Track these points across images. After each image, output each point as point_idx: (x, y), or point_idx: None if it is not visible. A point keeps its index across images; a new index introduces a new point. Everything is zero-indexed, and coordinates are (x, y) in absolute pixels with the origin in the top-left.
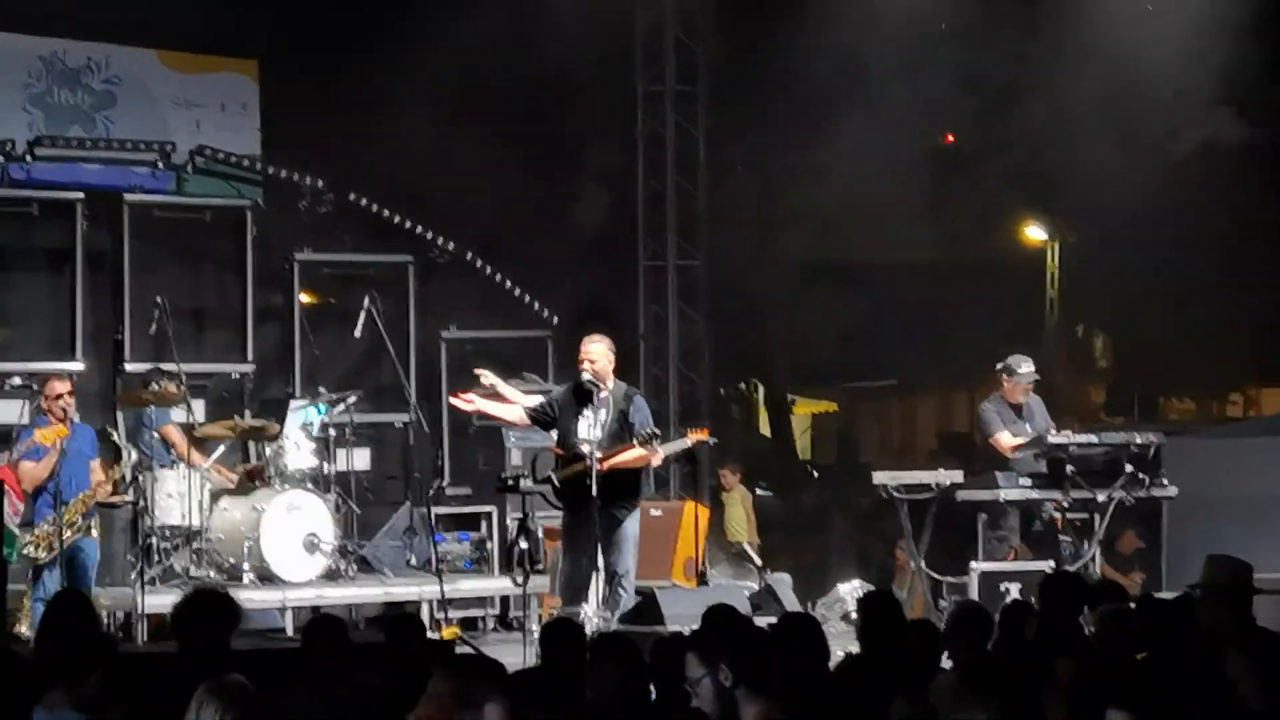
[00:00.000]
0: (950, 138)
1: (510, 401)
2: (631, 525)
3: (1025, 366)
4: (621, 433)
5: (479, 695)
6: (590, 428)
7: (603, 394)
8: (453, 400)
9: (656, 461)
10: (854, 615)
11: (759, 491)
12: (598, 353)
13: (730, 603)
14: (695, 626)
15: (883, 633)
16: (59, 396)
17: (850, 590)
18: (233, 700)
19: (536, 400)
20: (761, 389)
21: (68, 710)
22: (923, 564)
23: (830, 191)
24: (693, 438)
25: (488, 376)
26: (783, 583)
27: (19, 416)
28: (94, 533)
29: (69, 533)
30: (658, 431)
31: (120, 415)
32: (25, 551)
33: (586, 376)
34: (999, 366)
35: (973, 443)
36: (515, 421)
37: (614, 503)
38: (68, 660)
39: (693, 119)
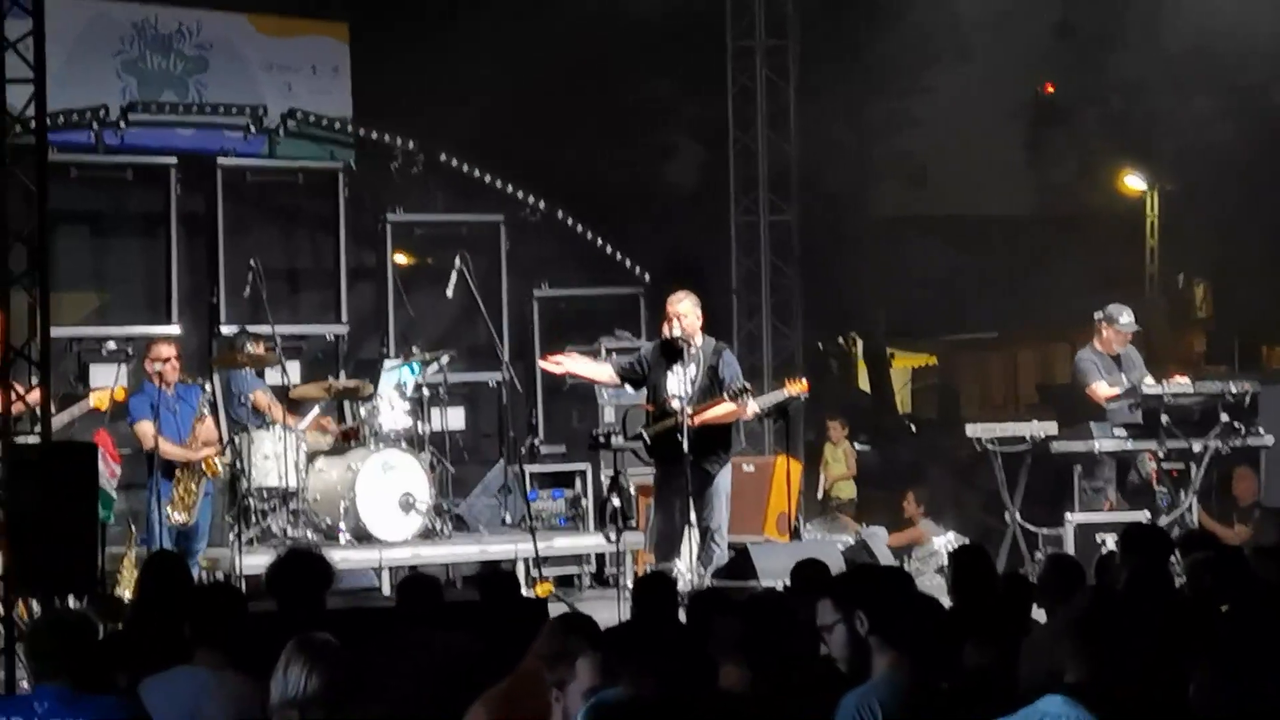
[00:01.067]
0: (1049, 88)
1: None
2: (723, 480)
3: (1125, 316)
4: (711, 387)
5: (570, 650)
6: (680, 383)
7: (691, 350)
8: (541, 364)
9: (750, 414)
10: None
11: (857, 446)
12: (684, 309)
13: (823, 557)
14: (788, 582)
15: (974, 586)
16: (166, 360)
17: (944, 544)
18: (320, 657)
19: (626, 360)
20: (860, 343)
21: (223, 669)
22: (1017, 516)
23: (926, 143)
24: (790, 389)
25: (557, 367)
26: (878, 537)
27: (115, 381)
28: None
29: (195, 487)
30: (748, 385)
31: (216, 377)
32: (173, 521)
33: (676, 333)
34: (1098, 316)
35: (1073, 395)
36: (605, 381)
37: (705, 458)
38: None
39: (783, 73)
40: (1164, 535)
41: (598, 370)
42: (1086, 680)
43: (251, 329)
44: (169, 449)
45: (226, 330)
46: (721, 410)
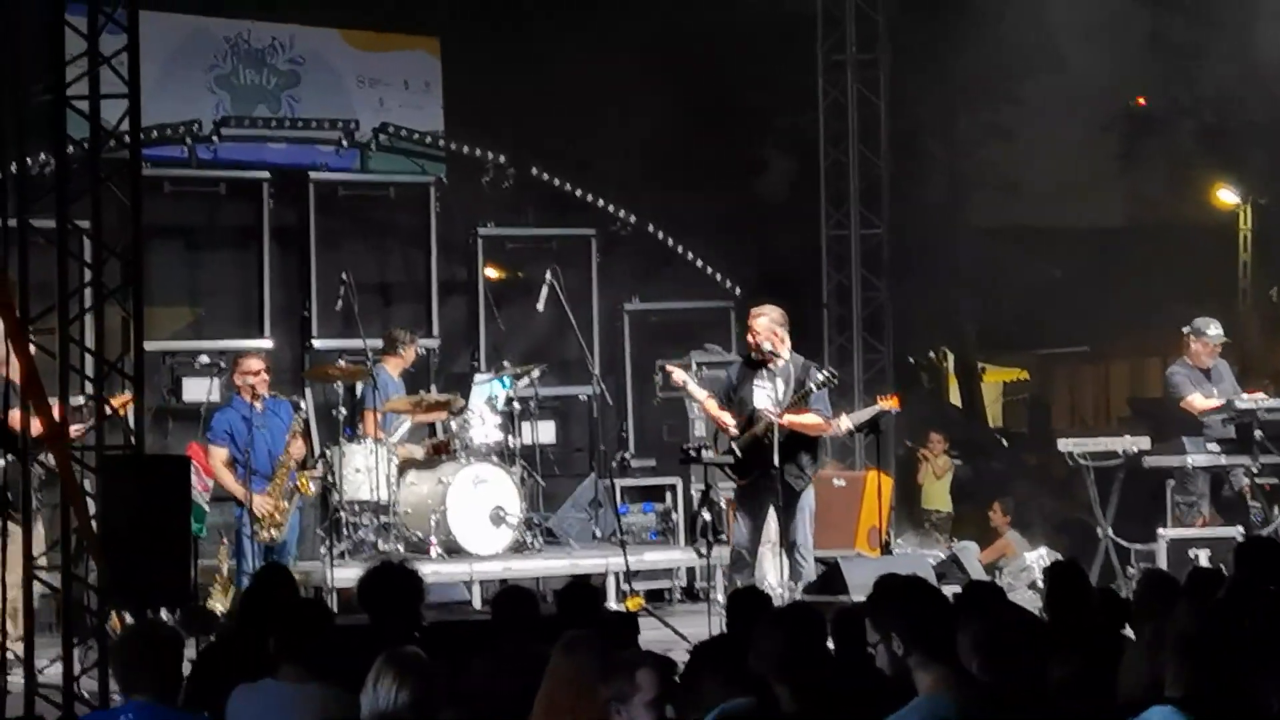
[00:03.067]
0: (1141, 100)
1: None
2: (808, 496)
3: (1213, 329)
4: (799, 404)
5: (625, 663)
6: (768, 398)
7: (780, 363)
8: (668, 366)
9: (843, 431)
10: (1040, 583)
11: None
12: (763, 325)
13: (915, 571)
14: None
15: (1070, 602)
16: (256, 374)
17: (1037, 558)
18: (410, 671)
19: (718, 387)
20: (951, 357)
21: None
22: (1110, 531)
23: (1017, 155)
24: (882, 404)
25: (678, 374)
26: (969, 551)
27: (207, 394)
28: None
29: (285, 503)
30: (834, 373)
31: (308, 391)
32: (261, 538)
33: (768, 348)
34: (1186, 329)
35: (1166, 409)
36: (712, 412)
37: (790, 473)
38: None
39: (874, 86)
40: (1278, 549)
41: (707, 399)
42: (1188, 694)
43: (343, 343)
44: (226, 480)
45: (321, 344)
46: (810, 420)
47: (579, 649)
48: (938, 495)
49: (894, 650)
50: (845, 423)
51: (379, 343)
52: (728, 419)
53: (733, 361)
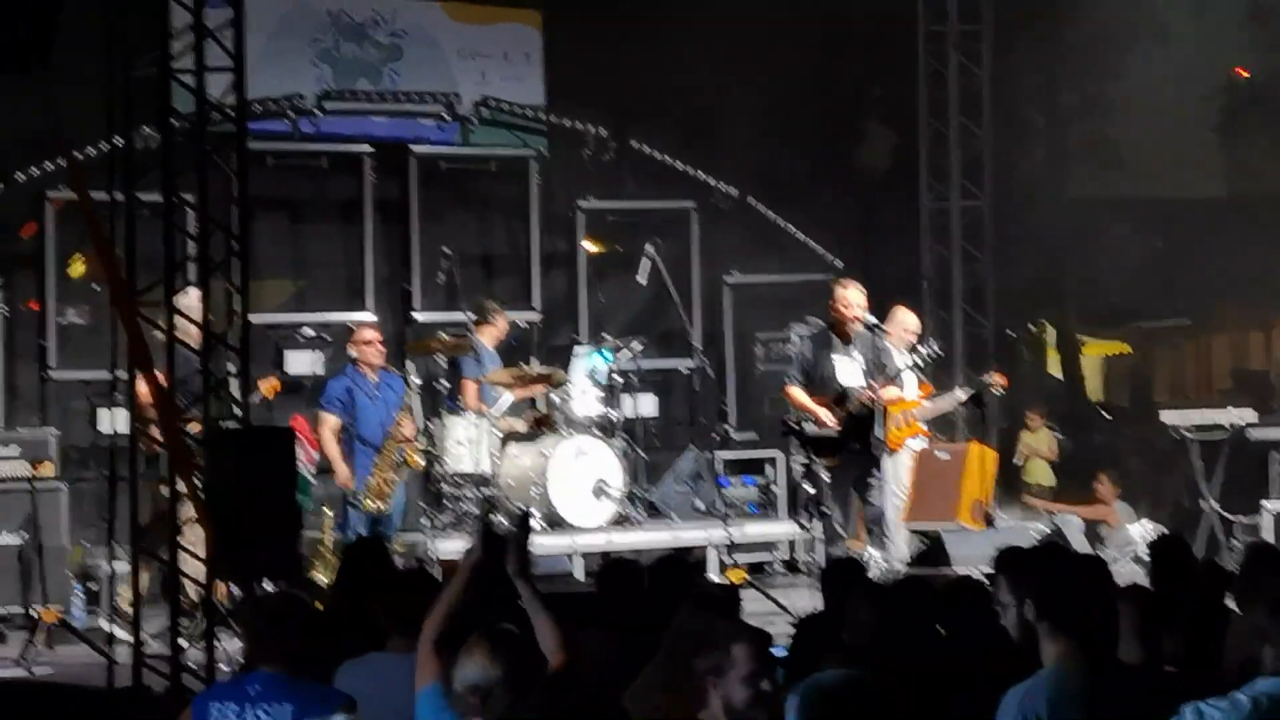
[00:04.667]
0: (1242, 71)
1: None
2: (889, 465)
3: None
4: (876, 375)
5: (720, 637)
6: (853, 373)
7: (860, 338)
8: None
9: (952, 407)
10: (1144, 557)
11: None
12: (857, 298)
13: (1018, 544)
14: (983, 568)
15: (1175, 576)
16: (369, 342)
17: (1141, 532)
18: (503, 646)
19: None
20: (1052, 330)
21: (396, 655)
22: (1215, 504)
23: (1119, 127)
24: (994, 379)
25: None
26: (1072, 524)
27: (311, 367)
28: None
29: (395, 475)
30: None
31: (410, 364)
32: (368, 509)
33: (850, 320)
34: None
35: (1268, 382)
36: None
37: (878, 446)
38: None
39: (976, 58)
40: None
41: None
42: None
43: (445, 316)
44: (331, 449)
45: (423, 317)
46: (895, 394)
47: (710, 610)
48: (1040, 468)
49: (1025, 616)
50: (960, 394)
51: (470, 314)
52: (825, 415)
53: (804, 337)
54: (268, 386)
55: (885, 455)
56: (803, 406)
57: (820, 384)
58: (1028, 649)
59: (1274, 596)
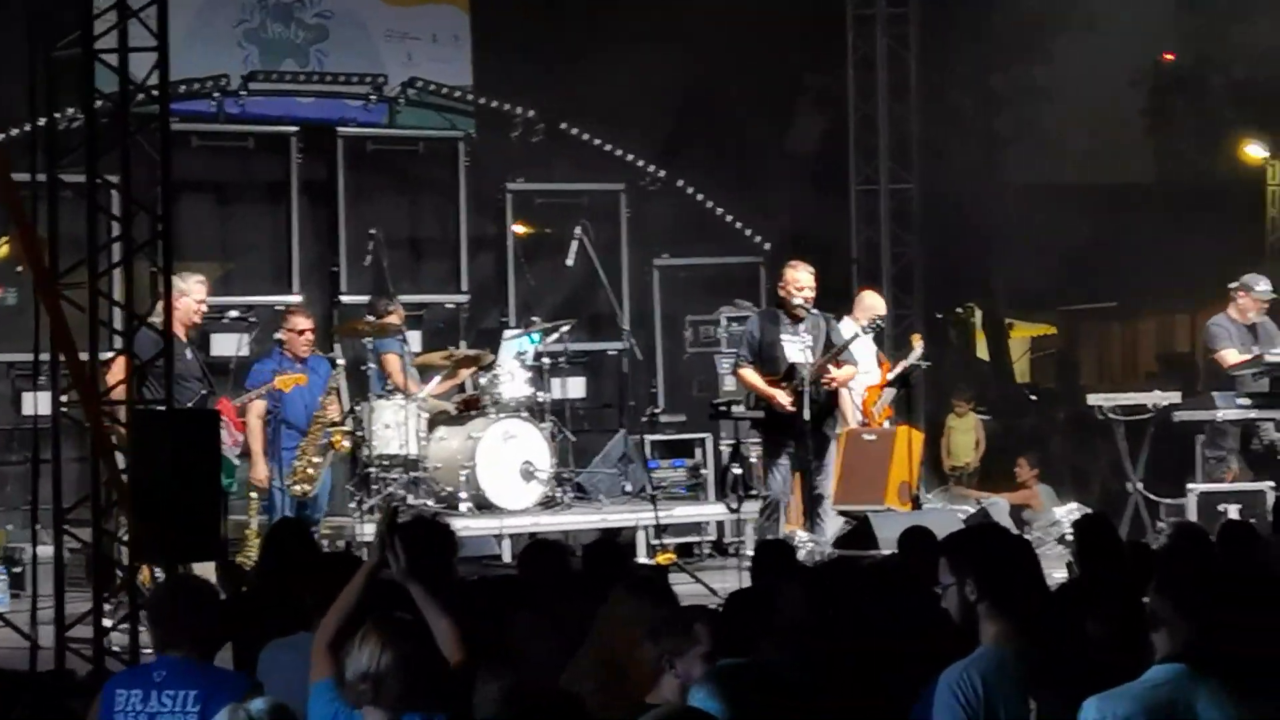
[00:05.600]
0: (1170, 55)
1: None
2: (834, 446)
3: (1262, 284)
4: (821, 355)
5: (679, 617)
6: (801, 352)
7: (807, 318)
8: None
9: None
10: (1070, 539)
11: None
12: (806, 279)
13: (944, 526)
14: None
15: (1099, 556)
16: (302, 332)
17: (1066, 513)
18: (395, 634)
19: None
20: (979, 313)
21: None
22: (1139, 485)
23: (1047, 112)
24: (914, 344)
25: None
26: (998, 507)
27: (236, 349)
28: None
29: (320, 459)
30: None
31: (337, 347)
32: (294, 493)
33: (798, 301)
34: (1233, 285)
35: (1193, 365)
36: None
37: (828, 425)
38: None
39: (904, 41)
40: None
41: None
42: (1183, 649)
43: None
44: (255, 437)
45: (350, 299)
46: (850, 373)
47: (635, 599)
48: (963, 447)
49: (966, 595)
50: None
51: (409, 298)
52: (781, 396)
53: (748, 315)
54: (283, 381)
55: (834, 433)
56: (756, 388)
57: (768, 364)
58: (968, 629)
59: (1169, 582)
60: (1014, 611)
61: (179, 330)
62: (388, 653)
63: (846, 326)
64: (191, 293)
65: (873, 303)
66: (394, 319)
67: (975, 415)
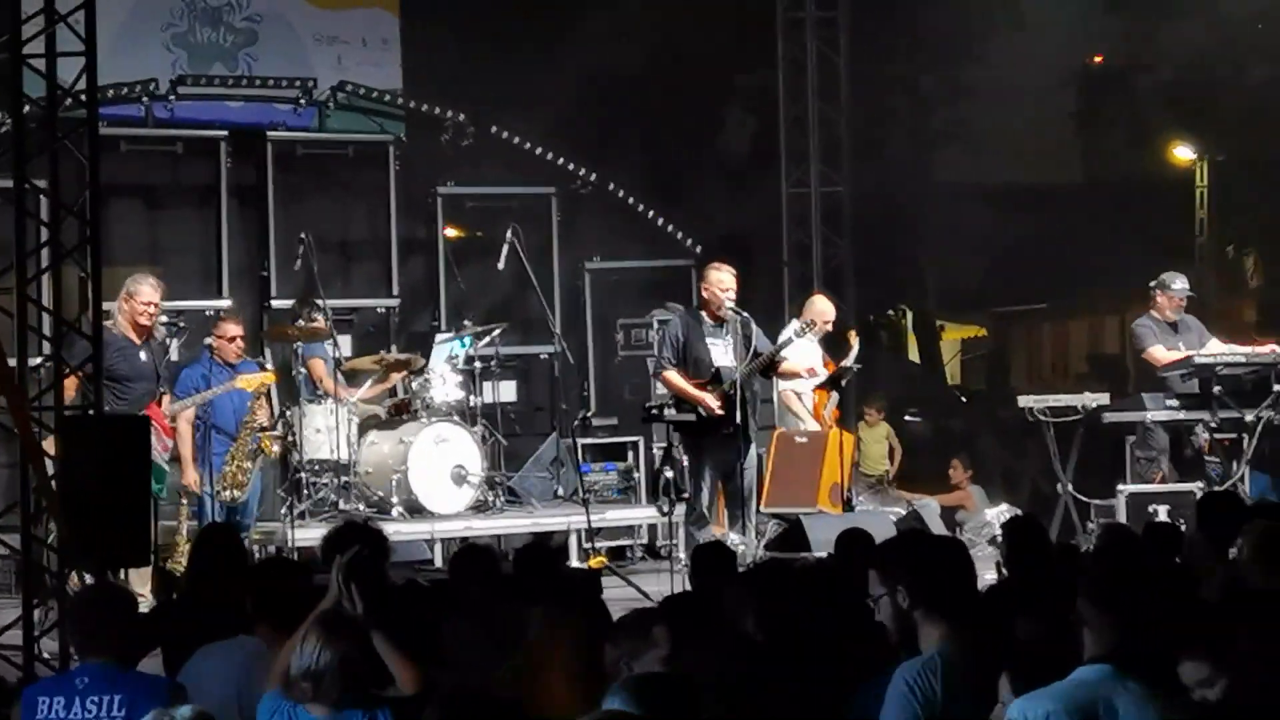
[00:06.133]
0: (1099, 57)
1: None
2: (754, 449)
3: (1178, 282)
4: (748, 357)
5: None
6: (726, 354)
7: (730, 320)
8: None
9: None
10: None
11: (908, 418)
12: (731, 281)
13: (876, 528)
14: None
15: (1028, 557)
16: (232, 339)
17: (997, 514)
18: (336, 632)
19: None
20: (910, 314)
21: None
22: (1069, 487)
23: (977, 113)
24: (851, 340)
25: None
26: (929, 509)
27: (166, 354)
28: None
29: (248, 463)
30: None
31: (268, 351)
32: (223, 498)
33: (729, 305)
34: (1152, 284)
35: (1124, 366)
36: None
37: (753, 427)
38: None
39: (834, 44)
40: (1239, 503)
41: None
42: (1109, 650)
43: (313, 299)
44: (185, 443)
45: (280, 304)
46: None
47: (574, 602)
48: (876, 459)
49: (899, 603)
50: (846, 362)
51: (340, 302)
52: (710, 400)
53: (669, 319)
54: (246, 380)
55: (753, 439)
56: (682, 391)
57: (692, 366)
58: (905, 638)
59: (1096, 583)
60: (950, 612)
61: (130, 332)
62: (328, 650)
63: (795, 329)
64: (138, 295)
65: (822, 307)
66: (319, 324)
67: (887, 424)
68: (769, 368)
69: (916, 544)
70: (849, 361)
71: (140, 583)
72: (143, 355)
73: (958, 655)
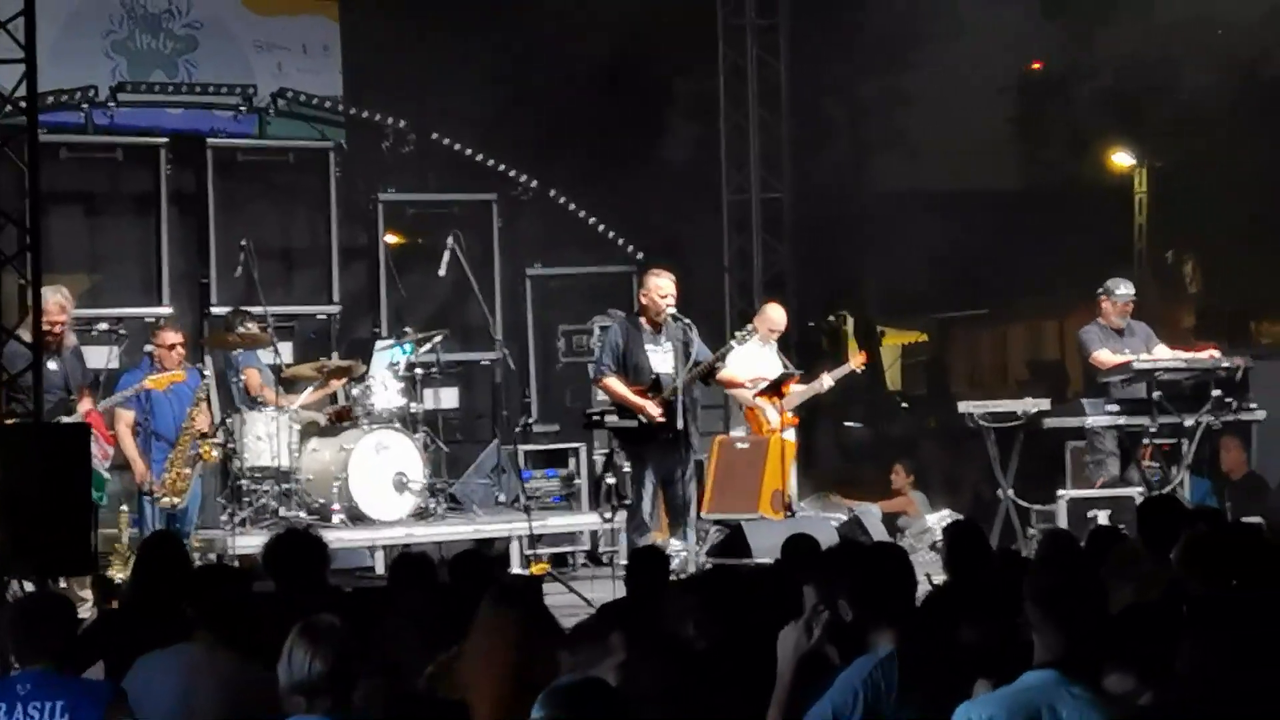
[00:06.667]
0: (1036, 64)
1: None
2: (692, 455)
3: (1122, 288)
4: (687, 364)
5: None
6: (664, 360)
7: (668, 326)
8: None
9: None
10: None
11: (848, 424)
12: (671, 287)
13: (818, 534)
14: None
15: (969, 562)
16: (171, 347)
17: (938, 520)
18: (324, 641)
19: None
20: (850, 320)
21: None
22: (1010, 492)
23: (917, 120)
24: (855, 362)
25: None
26: (871, 514)
27: (106, 361)
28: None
29: (187, 470)
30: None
31: (208, 358)
32: (163, 504)
33: (670, 311)
34: (1099, 291)
35: (1064, 371)
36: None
37: (694, 434)
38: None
39: (774, 51)
40: (1179, 507)
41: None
42: (1056, 656)
43: (248, 309)
44: (128, 444)
45: (221, 311)
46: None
47: (509, 601)
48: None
49: (841, 615)
50: (828, 380)
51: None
52: (651, 407)
53: (609, 325)
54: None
55: (695, 445)
56: (623, 398)
57: (632, 373)
58: (844, 650)
59: (1040, 589)
60: (893, 618)
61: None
62: (318, 661)
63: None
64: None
65: (773, 315)
66: (254, 332)
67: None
68: (708, 375)
69: (853, 555)
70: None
71: (81, 591)
72: (51, 365)
73: (911, 658)
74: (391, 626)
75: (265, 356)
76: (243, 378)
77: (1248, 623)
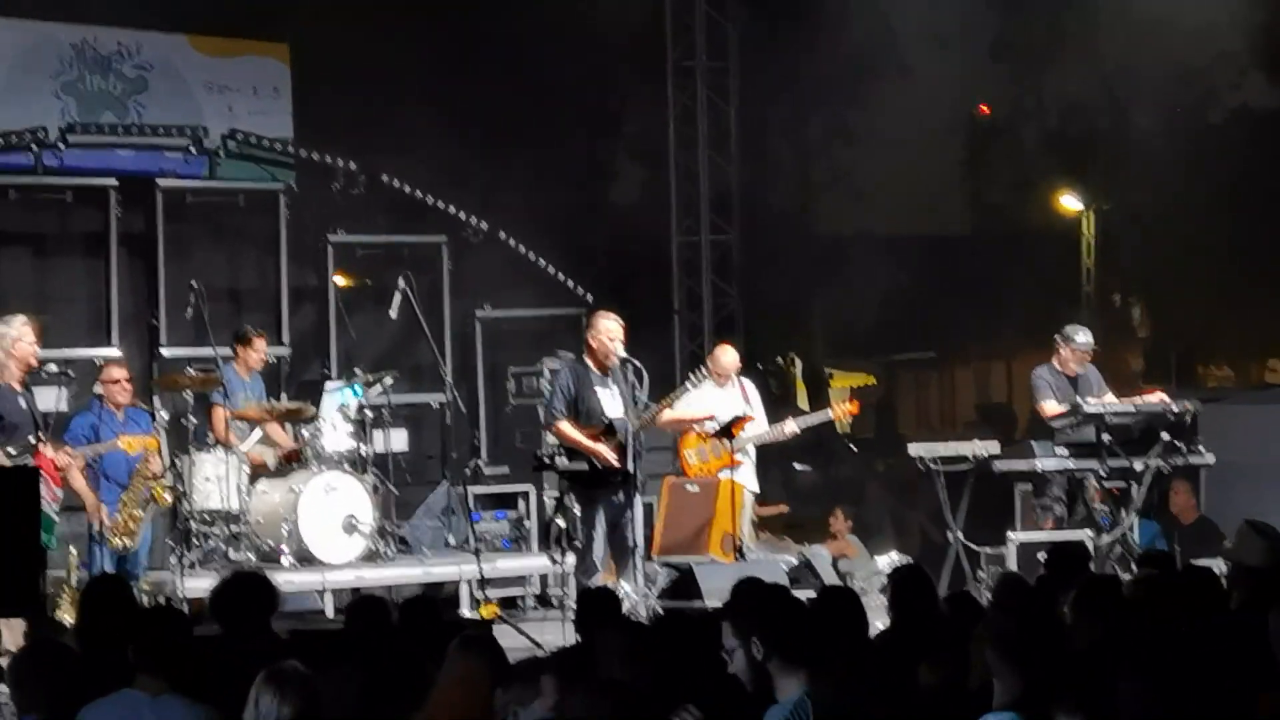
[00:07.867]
0: (984, 109)
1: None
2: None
3: (1081, 335)
4: (634, 406)
5: (526, 668)
6: (614, 402)
7: (620, 370)
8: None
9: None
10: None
11: (797, 466)
12: (618, 330)
13: (768, 577)
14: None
15: (914, 605)
16: (117, 381)
17: (888, 563)
18: (290, 688)
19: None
20: (799, 363)
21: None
22: (959, 535)
23: (865, 163)
24: (839, 411)
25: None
26: (821, 557)
27: (55, 403)
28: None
29: (139, 512)
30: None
31: (156, 399)
32: (114, 546)
33: (621, 354)
34: (1056, 336)
35: (1011, 413)
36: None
37: (636, 474)
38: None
39: (724, 93)
40: (1082, 553)
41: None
42: (1015, 699)
43: (193, 352)
44: (79, 484)
45: (170, 352)
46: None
47: (475, 650)
48: None
49: (753, 655)
50: (791, 426)
51: (228, 350)
52: (608, 453)
53: (559, 368)
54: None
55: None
56: (577, 443)
57: (584, 417)
58: (760, 689)
59: (998, 633)
60: (806, 660)
61: (14, 381)
62: (285, 706)
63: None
64: (23, 336)
65: (724, 360)
66: (256, 349)
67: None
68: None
69: (765, 595)
70: (807, 422)
71: (12, 635)
72: (22, 403)
73: (827, 701)
74: (340, 672)
75: (217, 398)
76: (194, 420)
77: (1188, 663)
